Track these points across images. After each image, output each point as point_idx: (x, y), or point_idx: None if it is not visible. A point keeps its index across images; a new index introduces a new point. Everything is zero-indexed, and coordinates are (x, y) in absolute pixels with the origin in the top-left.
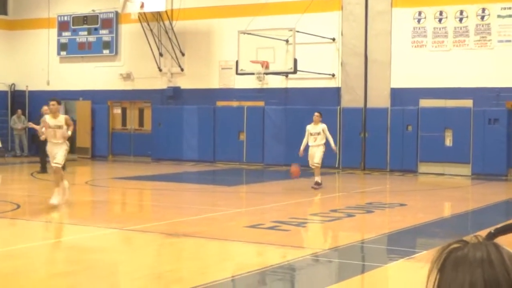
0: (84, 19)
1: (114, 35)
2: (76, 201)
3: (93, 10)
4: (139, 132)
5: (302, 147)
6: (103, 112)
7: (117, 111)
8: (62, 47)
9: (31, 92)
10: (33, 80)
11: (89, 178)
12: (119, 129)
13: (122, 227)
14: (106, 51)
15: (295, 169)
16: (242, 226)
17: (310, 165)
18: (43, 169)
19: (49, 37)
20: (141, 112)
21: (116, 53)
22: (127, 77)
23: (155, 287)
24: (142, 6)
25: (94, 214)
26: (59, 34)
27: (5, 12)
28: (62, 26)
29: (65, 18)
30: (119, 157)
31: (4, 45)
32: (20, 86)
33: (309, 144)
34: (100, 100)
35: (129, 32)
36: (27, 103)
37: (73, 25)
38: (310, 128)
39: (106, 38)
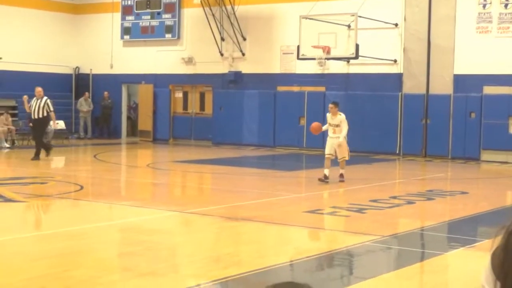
0: (147, 3)
1: (176, 19)
2: (137, 183)
3: None
4: (200, 116)
5: (324, 127)
6: (165, 95)
7: (179, 95)
8: (125, 31)
9: (95, 76)
10: (97, 63)
11: (150, 161)
12: (181, 113)
13: (182, 209)
14: (168, 35)
15: (315, 126)
16: (301, 211)
17: (327, 154)
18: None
19: (113, 21)
20: (202, 96)
21: (179, 37)
22: (189, 61)
23: (214, 269)
24: None
25: (155, 196)
26: (123, 18)
27: None
28: (126, 10)
29: (129, 2)
30: (180, 140)
31: (69, 29)
32: (84, 70)
33: (329, 134)
34: (162, 84)
35: (191, 17)
36: (91, 86)
37: (136, 9)
38: (329, 118)
39: (168, 22)
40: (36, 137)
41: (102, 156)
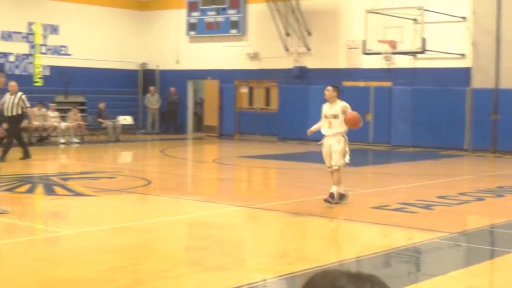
0: (213, 0)
1: (241, 14)
2: (203, 178)
3: None
4: (266, 111)
5: (313, 128)
6: (230, 91)
7: (244, 90)
8: (191, 27)
9: (161, 71)
10: (163, 59)
11: (216, 156)
12: (246, 108)
13: (248, 204)
14: (233, 31)
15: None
16: (367, 207)
17: (327, 166)
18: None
19: (179, 17)
20: (267, 91)
21: (244, 32)
22: (254, 56)
23: (280, 264)
24: None
25: (221, 191)
26: (189, 14)
27: None
28: (192, 6)
29: None
30: (245, 135)
31: (136, 25)
32: (151, 65)
33: (323, 131)
34: (227, 79)
35: (256, 12)
36: (158, 82)
37: (202, 5)
38: (324, 108)
39: (234, 18)
40: (15, 137)
41: (169, 151)
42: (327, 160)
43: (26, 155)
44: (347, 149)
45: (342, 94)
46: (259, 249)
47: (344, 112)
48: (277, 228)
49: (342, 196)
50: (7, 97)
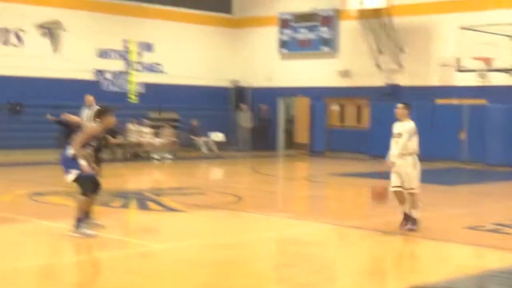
0: (304, 17)
1: (333, 32)
2: (294, 196)
3: (313, 8)
4: (356, 129)
5: (389, 155)
6: (321, 108)
7: (335, 107)
8: (283, 44)
9: (253, 89)
10: (255, 76)
11: (307, 174)
12: (337, 126)
13: (338, 222)
14: (325, 48)
15: (376, 191)
16: (461, 227)
17: (393, 190)
18: None
19: (271, 34)
20: (358, 109)
21: (335, 50)
22: (346, 74)
23: (371, 283)
24: (362, 2)
25: (311, 208)
26: (280, 32)
27: (229, 11)
28: (284, 23)
29: (287, 16)
30: (336, 153)
31: (228, 43)
32: (243, 83)
33: (391, 152)
34: (318, 96)
35: (348, 29)
36: (250, 99)
37: (294, 23)
38: (394, 127)
39: (325, 35)
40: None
41: (260, 168)
42: (396, 179)
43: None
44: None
45: (435, 112)
46: (349, 268)
47: (409, 132)
48: (367, 247)
49: (413, 222)
50: (85, 110)
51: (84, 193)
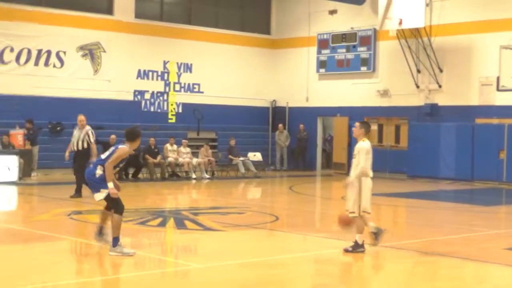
0: (343, 37)
1: (372, 52)
2: (331, 215)
3: (352, 28)
4: (395, 149)
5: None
6: None
7: (374, 127)
8: (321, 64)
9: (291, 108)
10: (293, 96)
11: (344, 193)
12: (376, 145)
13: (376, 243)
14: (363, 68)
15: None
16: (501, 248)
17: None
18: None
19: (309, 55)
20: (397, 128)
21: (374, 69)
22: (384, 93)
23: None
24: (400, 23)
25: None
26: (319, 52)
27: (268, 32)
28: (322, 44)
29: (325, 36)
30: (375, 173)
31: (267, 63)
32: (281, 103)
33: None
34: (357, 116)
35: (386, 49)
36: (287, 119)
37: (332, 43)
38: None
39: (364, 55)
40: (76, 171)
41: (297, 187)
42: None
43: (78, 194)
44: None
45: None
46: (384, 287)
47: (359, 153)
48: (405, 267)
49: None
50: (76, 131)
51: (119, 211)
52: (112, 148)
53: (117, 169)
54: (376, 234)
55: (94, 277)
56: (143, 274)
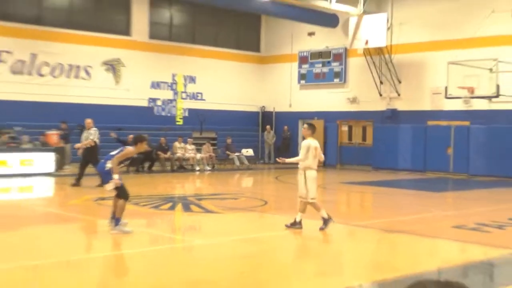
0: (319, 54)
1: (343, 66)
2: None
3: (326, 47)
4: (362, 146)
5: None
6: (333, 129)
7: (345, 128)
8: (301, 77)
9: (277, 113)
10: (278, 103)
11: (321, 182)
12: (346, 143)
13: (347, 222)
14: (336, 80)
15: None
16: (448, 226)
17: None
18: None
19: (291, 69)
20: (364, 129)
21: (345, 81)
22: (353, 100)
23: (373, 274)
24: (366, 43)
25: (325, 210)
26: (299, 66)
27: (258, 50)
28: (302, 60)
29: (305, 54)
30: (345, 165)
31: (257, 76)
32: (268, 108)
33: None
34: (331, 119)
35: (355, 64)
36: (274, 121)
37: (310, 59)
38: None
39: (336, 69)
40: (80, 164)
41: (282, 177)
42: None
43: (77, 183)
44: (306, 184)
45: (427, 131)
46: (356, 260)
47: (302, 148)
48: (371, 243)
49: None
50: (84, 132)
51: (123, 197)
52: (121, 148)
53: (122, 165)
54: (325, 220)
55: (116, 251)
56: (156, 248)
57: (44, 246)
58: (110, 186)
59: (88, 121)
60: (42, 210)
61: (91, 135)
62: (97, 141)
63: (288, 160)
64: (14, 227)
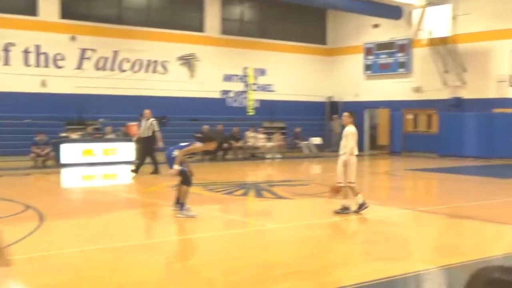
0: (384, 45)
1: (408, 57)
2: (376, 186)
3: (391, 38)
4: (427, 133)
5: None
6: (398, 117)
7: (410, 116)
8: (367, 67)
9: (344, 103)
10: (345, 93)
11: (387, 169)
12: (411, 131)
13: (413, 208)
14: (401, 70)
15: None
16: None
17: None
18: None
19: (357, 60)
20: (429, 117)
21: (409, 71)
22: (418, 90)
23: (439, 257)
24: (430, 33)
25: (391, 197)
26: (365, 58)
27: (325, 43)
28: (368, 51)
29: (370, 45)
30: (410, 153)
31: (324, 67)
32: (335, 98)
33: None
34: (396, 108)
35: (420, 54)
36: (340, 111)
37: (375, 50)
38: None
39: (401, 60)
40: (145, 155)
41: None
42: (340, 175)
43: (156, 171)
44: (341, 168)
45: (493, 119)
46: (421, 244)
47: (345, 136)
48: (437, 228)
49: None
50: (143, 122)
51: (186, 183)
52: (189, 143)
53: (186, 157)
54: (360, 205)
55: (194, 234)
56: (231, 232)
57: (125, 230)
58: (171, 172)
59: (147, 111)
60: (124, 196)
61: (154, 127)
62: (158, 131)
63: (347, 156)
64: (99, 212)
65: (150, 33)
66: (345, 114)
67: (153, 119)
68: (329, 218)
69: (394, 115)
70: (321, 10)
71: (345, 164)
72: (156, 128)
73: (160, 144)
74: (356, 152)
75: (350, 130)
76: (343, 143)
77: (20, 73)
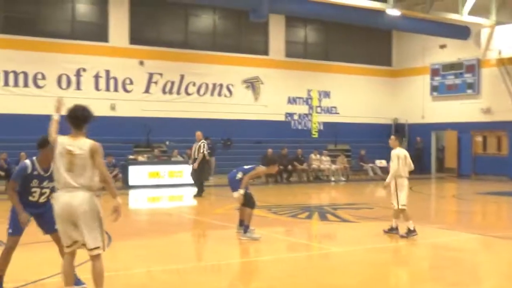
0: (451, 66)
1: (476, 77)
2: (445, 210)
3: (458, 59)
4: (497, 156)
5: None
6: (466, 139)
7: (479, 138)
8: (434, 88)
9: (409, 125)
10: (411, 115)
11: (456, 192)
12: (480, 153)
13: (483, 233)
14: (469, 91)
15: None
16: None
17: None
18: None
19: (424, 81)
20: (498, 139)
21: (478, 92)
22: (487, 111)
23: (510, 286)
24: (500, 52)
25: (460, 221)
26: (432, 79)
27: (390, 64)
28: (434, 72)
29: (436, 66)
30: (480, 176)
31: (389, 89)
32: (401, 120)
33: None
34: (464, 130)
35: (488, 74)
36: (407, 133)
37: (442, 71)
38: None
39: (469, 80)
40: (200, 177)
41: (416, 188)
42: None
43: (199, 193)
44: (397, 191)
45: None
46: (492, 271)
47: (392, 159)
48: (509, 254)
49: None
50: (194, 144)
51: (250, 206)
52: (253, 166)
53: (251, 180)
54: (410, 231)
55: (258, 257)
56: (295, 255)
57: (189, 251)
58: (237, 194)
59: (198, 133)
60: (189, 218)
61: (201, 148)
62: (206, 153)
63: (389, 180)
64: (164, 233)
65: (215, 56)
66: (392, 137)
67: (203, 141)
68: (394, 243)
69: (462, 137)
70: (386, 31)
71: (396, 187)
72: (201, 149)
73: (195, 165)
74: (405, 174)
75: (395, 152)
76: (391, 165)
77: (91, 97)
